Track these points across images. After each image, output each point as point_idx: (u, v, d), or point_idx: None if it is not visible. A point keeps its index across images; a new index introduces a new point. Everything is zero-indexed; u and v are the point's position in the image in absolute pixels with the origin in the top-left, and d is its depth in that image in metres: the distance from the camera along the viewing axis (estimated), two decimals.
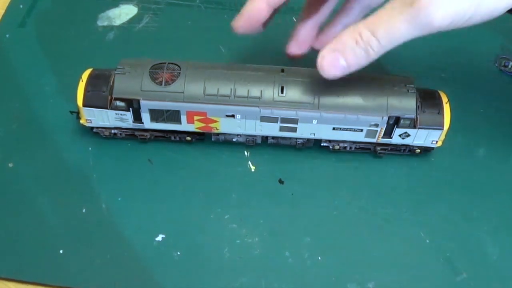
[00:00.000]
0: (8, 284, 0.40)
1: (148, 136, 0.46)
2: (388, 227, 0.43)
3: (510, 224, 0.44)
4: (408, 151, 0.46)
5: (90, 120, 0.45)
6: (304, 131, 0.44)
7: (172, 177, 0.46)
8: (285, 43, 0.45)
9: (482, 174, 0.46)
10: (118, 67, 0.43)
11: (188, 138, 0.47)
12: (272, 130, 0.44)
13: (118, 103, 0.43)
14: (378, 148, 0.46)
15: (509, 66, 0.53)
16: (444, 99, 0.43)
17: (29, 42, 0.55)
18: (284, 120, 0.43)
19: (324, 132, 0.44)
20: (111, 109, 0.43)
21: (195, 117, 0.43)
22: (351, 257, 0.42)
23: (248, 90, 0.42)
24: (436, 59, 0.53)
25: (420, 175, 0.46)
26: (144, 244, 0.42)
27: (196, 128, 0.44)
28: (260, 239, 0.42)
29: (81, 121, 0.45)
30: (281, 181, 0.46)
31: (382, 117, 0.42)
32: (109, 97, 0.43)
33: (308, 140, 0.46)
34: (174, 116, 0.43)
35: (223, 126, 0.44)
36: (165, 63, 0.43)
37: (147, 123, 0.44)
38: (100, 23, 0.57)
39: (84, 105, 0.43)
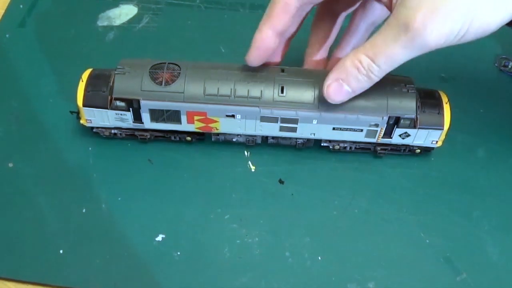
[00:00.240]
0: (7, 284, 0.40)
1: (148, 136, 0.46)
2: (388, 227, 0.43)
3: (510, 224, 0.44)
4: (408, 151, 0.46)
5: (90, 120, 0.45)
6: (304, 131, 0.44)
7: (172, 177, 0.46)
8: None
9: (482, 174, 0.46)
10: (118, 67, 0.43)
11: (188, 138, 0.47)
12: (272, 130, 0.44)
13: (118, 103, 0.43)
14: (378, 148, 0.46)
15: (509, 66, 0.53)
16: (444, 99, 0.43)
17: (29, 42, 0.55)
18: (284, 120, 0.43)
19: (324, 132, 0.44)
20: (111, 109, 0.43)
21: (195, 117, 0.43)
22: (351, 257, 0.42)
23: (248, 90, 0.42)
24: (436, 59, 0.53)
25: (420, 175, 0.46)
26: (144, 244, 0.42)
27: (196, 128, 0.44)
28: (260, 239, 0.42)
29: (81, 121, 0.45)
30: (281, 181, 0.46)
31: (382, 117, 0.42)
32: (109, 97, 0.43)
33: (308, 140, 0.46)
34: (174, 116, 0.43)
35: (223, 126, 0.44)
36: (165, 63, 0.43)
37: (147, 123, 0.44)
38: (100, 23, 0.57)
39: (84, 105, 0.43)
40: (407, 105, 0.42)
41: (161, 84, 0.42)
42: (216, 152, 0.47)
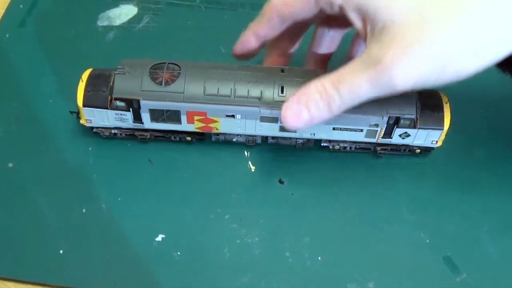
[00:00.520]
0: (7, 284, 0.40)
1: (148, 136, 0.46)
2: (388, 227, 0.43)
3: (510, 224, 0.44)
4: (408, 151, 0.46)
5: (90, 120, 0.45)
6: (304, 131, 0.44)
7: (172, 177, 0.46)
8: None
9: (482, 174, 0.46)
10: (118, 67, 0.43)
11: (188, 138, 0.47)
12: (272, 130, 0.44)
13: (118, 103, 0.43)
14: (378, 148, 0.46)
15: None
16: (444, 99, 0.43)
17: (29, 42, 0.55)
18: None
19: (324, 132, 0.44)
20: (111, 109, 0.43)
21: (195, 117, 0.43)
22: (351, 257, 0.42)
23: (248, 90, 0.42)
24: None
25: (420, 175, 0.46)
26: (144, 244, 0.42)
27: (196, 128, 0.44)
28: (260, 239, 0.42)
29: (81, 121, 0.45)
30: (281, 181, 0.46)
31: (382, 117, 0.42)
32: (109, 97, 0.43)
33: (308, 140, 0.46)
34: (174, 116, 0.43)
35: (223, 126, 0.44)
36: (165, 63, 0.43)
37: (147, 123, 0.44)
38: (100, 23, 0.57)
39: (84, 105, 0.43)
40: (407, 105, 0.42)
41: (161, 84, 0.42)
42: (216, 152, 0.47)
